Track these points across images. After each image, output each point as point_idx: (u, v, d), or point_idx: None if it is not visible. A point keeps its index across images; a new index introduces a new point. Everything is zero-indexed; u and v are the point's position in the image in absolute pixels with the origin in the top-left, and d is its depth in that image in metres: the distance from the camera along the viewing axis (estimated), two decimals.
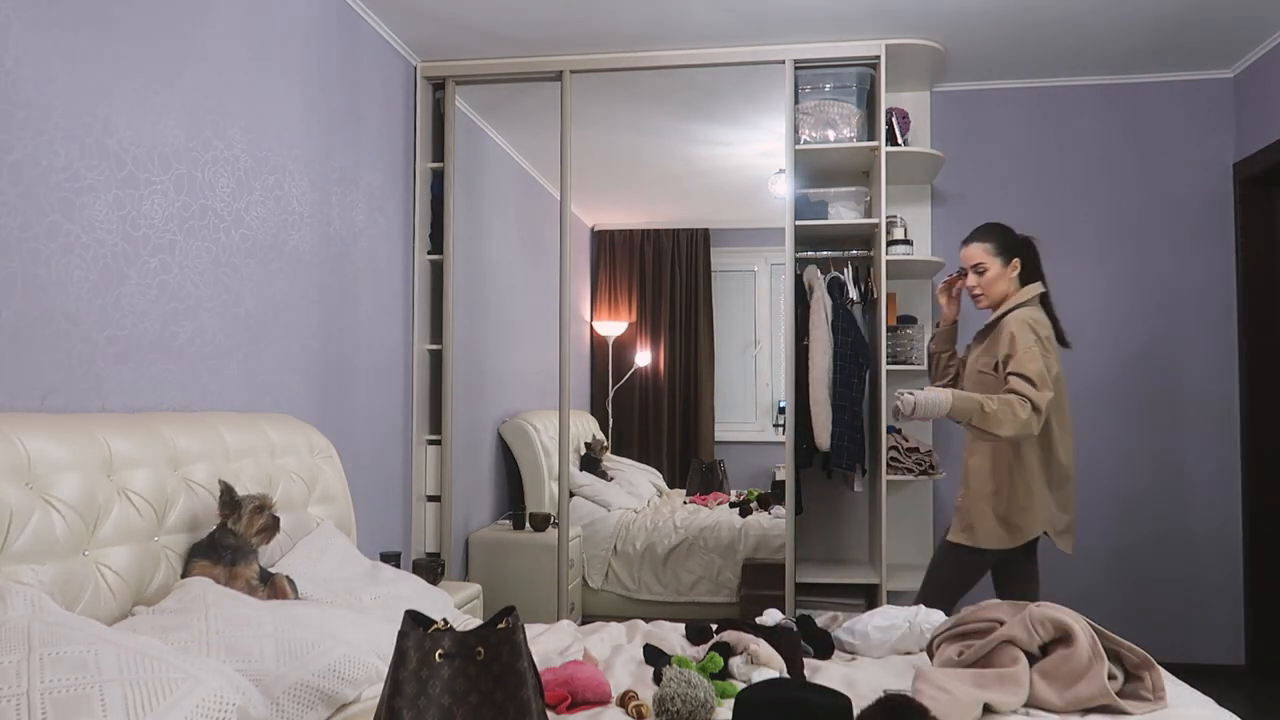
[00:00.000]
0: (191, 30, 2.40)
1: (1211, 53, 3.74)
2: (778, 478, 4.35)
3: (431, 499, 3.81)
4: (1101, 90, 4.01)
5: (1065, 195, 4.03)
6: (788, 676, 1.94)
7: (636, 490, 4.41)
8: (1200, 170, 3.95)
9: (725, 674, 1.95)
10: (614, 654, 2.19)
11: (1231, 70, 3.91)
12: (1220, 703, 1.79)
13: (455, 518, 3.86)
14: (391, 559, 3.00)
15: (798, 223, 3.71)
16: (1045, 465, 2.68)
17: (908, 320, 3.90)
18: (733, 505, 4.33)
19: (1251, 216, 3.85)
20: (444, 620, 1.45)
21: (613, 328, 4.60)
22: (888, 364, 3.69)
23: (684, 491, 4.52)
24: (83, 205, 2.03)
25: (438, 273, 3.87)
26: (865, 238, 3.87)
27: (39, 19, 1.91)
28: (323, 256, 3.06)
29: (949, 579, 2.77)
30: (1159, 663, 1.81)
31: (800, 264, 3.84)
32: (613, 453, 4.53)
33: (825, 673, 2.04)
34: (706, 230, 4.59)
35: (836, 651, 2.23)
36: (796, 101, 3.70)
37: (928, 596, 2.74)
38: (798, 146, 3.67)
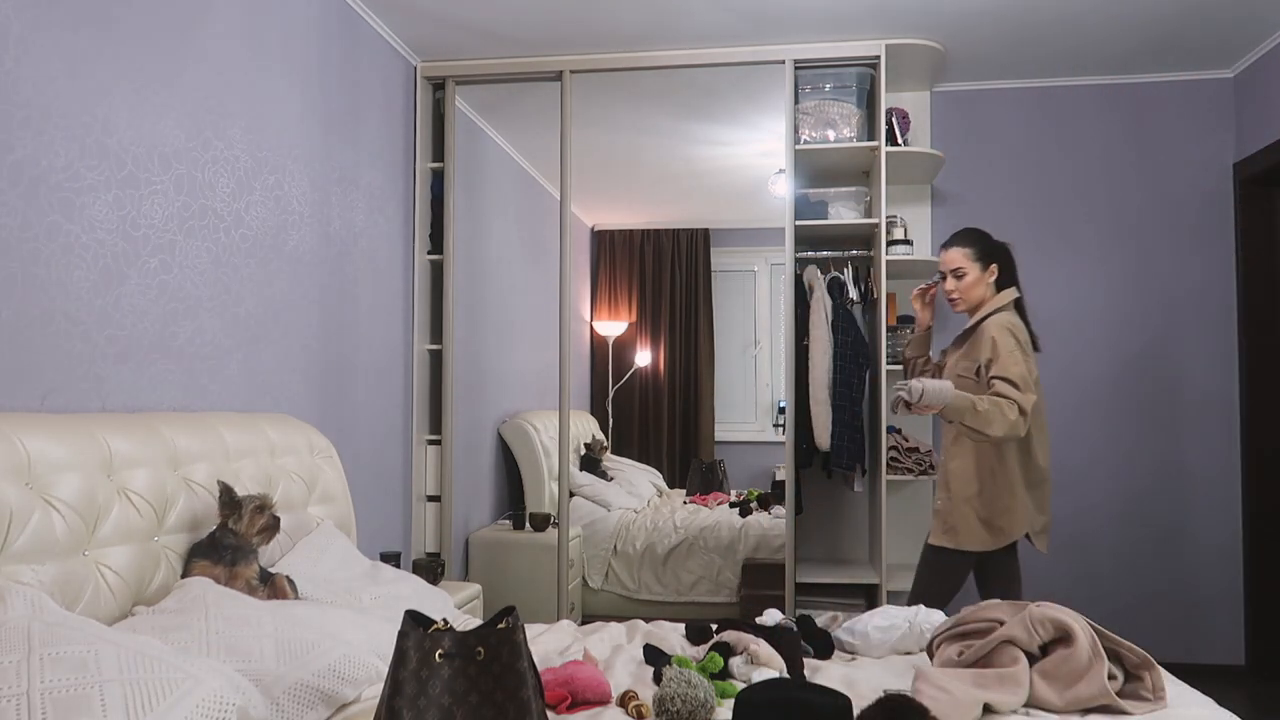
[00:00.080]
0: (191, 30, 2.40)
1: (1211, 53, 3.74)
2: (778, 478, 4.35)
3: (431, 499, 3.81)
4: (1101, 90, 4.02)
5: (1065, 195, 4.03)
6: (788, 676, 1.94)
7: (636, 490, 4.42)
8: (1200, 170, 3.95)
9: (725, 674, 1.95)
10: (614, 654, 2.19)
11: (1231, 70, 3.91)
12: (1220, 703, 1.79)
13: (455, 518, 3.86)
14: (391, 559, 3.00)
15: (798, 223, 3.71)
16: (1024, 467, 2.72)
17: (908, 320, 3.90)
18: (733, 505, 4.33)
19: (1251, 216, 3.85)
20: (444, 620, 1.45)
21: (613, 328, 4.60)
22: (888, 364, 3.69)
23: (684, 491, 4.52)
24: (83, 205, 2.03)
25: (438, 273, 3.87)
26: (865, 238, 3.87)
27: (39, 19, 1.92)
28: (323, 256, 3.06)
29: (937, 583, 2.79)
30: (1159, 663, 1.81)
31: (800, 264, 3.84)
32: (613, 453, 4.53)
33: (825, 673, 2.04)
34: (706, 230, 4.59)
35: (836, 651, 2.23)
36: (796, 101, 3.70)
37: (919, 602, 2.75)
38: (798, 146, 3.67)
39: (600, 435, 4.52)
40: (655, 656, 2.09)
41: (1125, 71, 3.95)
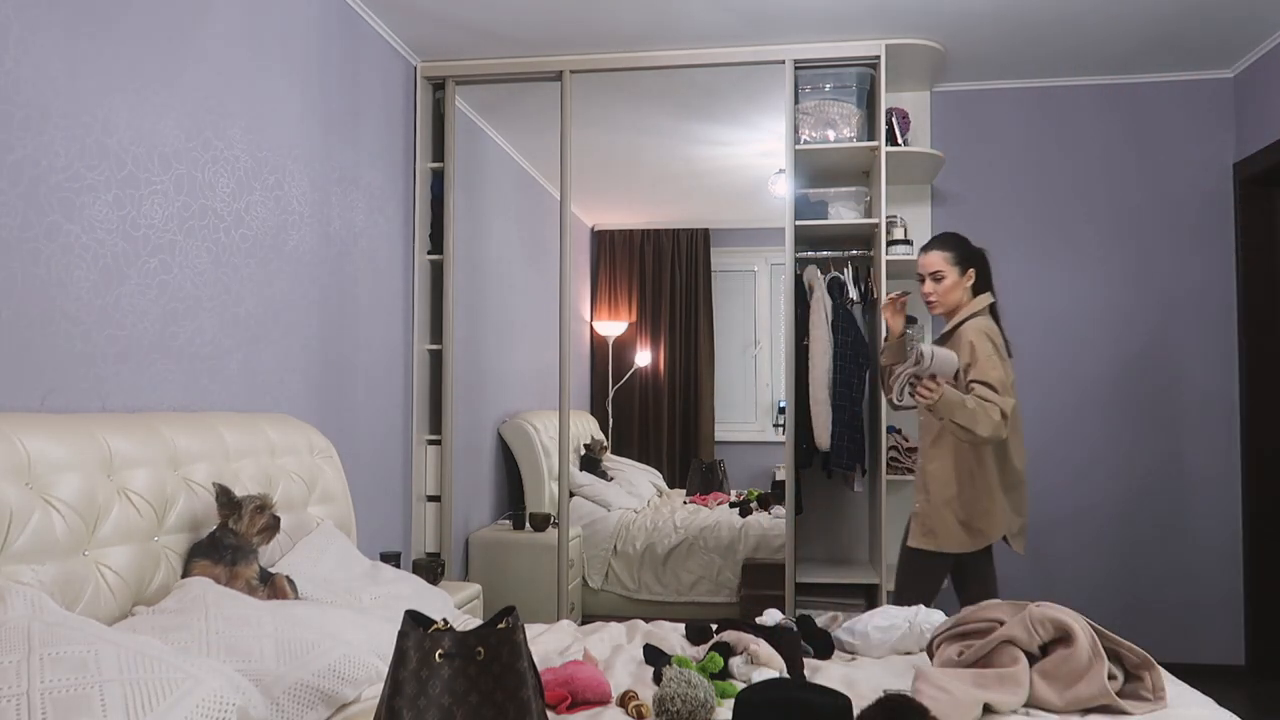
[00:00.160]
0: (191, 30, 2.40)
1: (1211, 53, 3.74)
2: (778, 478, 4.35)
3: (431, 499, 3.81)
4: (1101, 90, 4.02)
5: (1065, 195, 4.03)
6: (788, 676, 1.94)
7: (636, 490, 4.42)
8: (1200, 170, 3.95)
9: (725, 674, 1.95)
10: (614, 654, 2.19)
11: (1231, 70, 3.91)
12: (1220, 703, 1.79)
13: (455, 518, 3.86)
14: (391, 559, 3.00)
15: (798, 223, 3.71)
16: (1001, 470, 2.75)
17: (908, 320, 3.89)
18: (733, 505, 4.33)
19: (1251, 216, 3.85)
20: (444, 620, 1.45)
21: (613, 328, 4.60)
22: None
23: (684, 491, 4.53)
24: (83, 205, 2.03)
25: (438, 273, 3.87)
26: (865, 238, 3.86)
27: (39, 19, 1.92)
28: (323, 256, 3.06)
29: (917, 584, 2.82)
30: (1159, 663, 1.81)
31: (800, 264, 3.84)
32: (613, 453, 4.53)
33: (825, 673, 2.04)
34: (706, 230, 4.59)
35: (836, 651, 2.23)
36: (796, 101, 3.70)
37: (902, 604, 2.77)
38: (798, 146, 3.67)
39: (600, 435, 4.52)
40: (655, 656, 2.09)
41: (1125, 71, 3.95)
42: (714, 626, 2.27)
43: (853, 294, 3.82)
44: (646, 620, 2.53)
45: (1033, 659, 1.80)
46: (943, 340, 2.88)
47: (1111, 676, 1.75)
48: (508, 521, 4.18)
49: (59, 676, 1.27)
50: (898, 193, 3.93)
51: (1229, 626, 3.86)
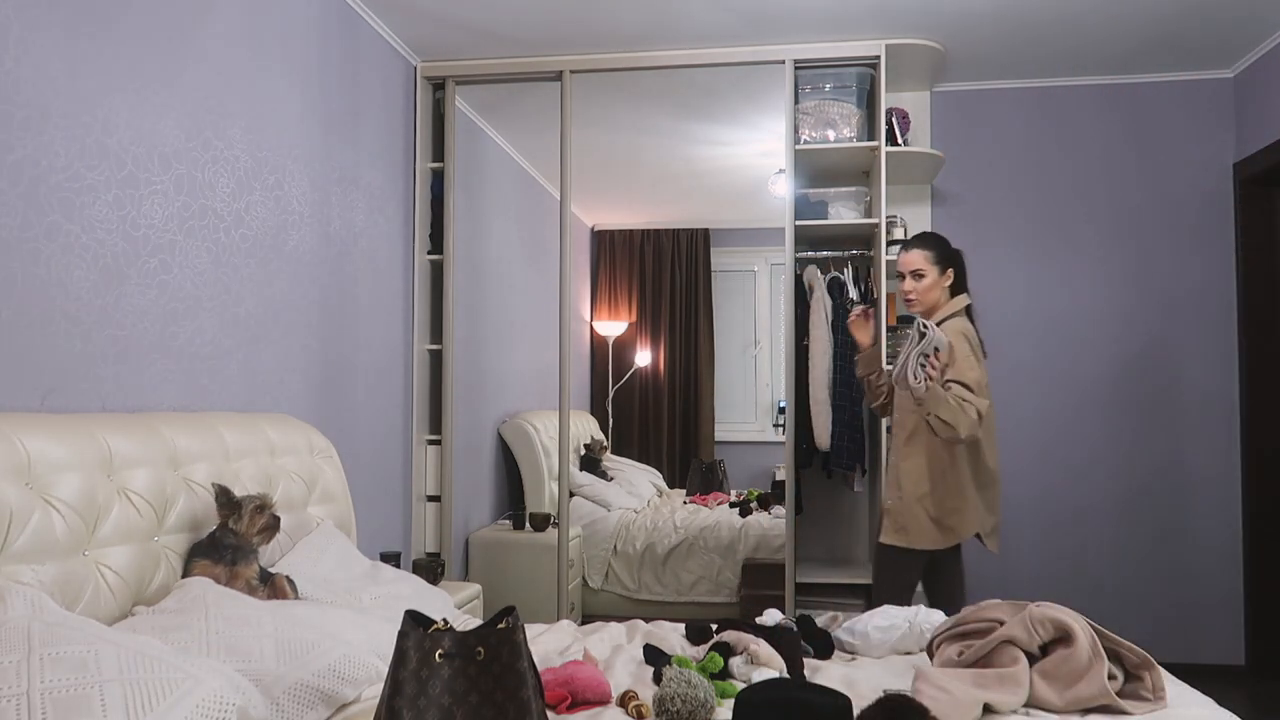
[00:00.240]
0: (191, 30, 2.40)
1: (1211, 53, 3.74)
2: (778, 478, 4.35)
3: (431, 499, 3.81)
4: (1101, 90, 4.02)
5: (1065, 195, 4.03)
6: (788, 676, 1.94)
7: (636, 490, 4.42)
8: (1200, 170, 3.95)
9: (725, 674, 1.95)
10: (614, 654, 2.19)
11: (1231, 70, 3.91)
12: (1220, 703, 1.79)
13: (455, 518, 3.86)
14: (391, 559, 2.99)
15: (798, 223, 3.71)
16: (974, 469, 2.79)
17: (907, 320, 3.89)
18: (733, 505, 4.33)
19: (1251, 216, 3.85)
20: (444, 620, 1.45)
21: (613, 328, 4.60)
22: (888, 364, 3.68)
23: (684, 491, 4.53)
24: (83, 205, 2.03)
25: (438, 273, 3.87)
26: (865, 238, 3.86)
27: (39, 19, 1.92)
28: (323, 256, 3.06)
29: (893, 581, 2.85)
30: (1159, 663, 1.81)
31: (800, 264, 3.84)
32: (613, 453, 4.53)
33: (825, 673, 2.04)
34: (706, 230, 4.59)
35: (836, 651, 2.23)
36: (796, 101, 3.70)
37: (880, 604, 2.78)
38: (798, 146, 3.67)
39: (600, 435, 4.52)
40: (655, 656, 2.09)
41: (1125, 71, 3.95)
42: (714, 626, 2.27)
43: (853, 294, 3.82)
44: (646, 620, 2.53)
45: (1033, 659, 1.80)
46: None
47: (1111, 676, 1.75)
48: (508, 521, 4.18)
49: (59, 676, 1.27)
50: (898, 193, 3.93)
51: (1229, 626, 3.86)
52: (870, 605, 2.84)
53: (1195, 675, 2.17)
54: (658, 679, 1.87)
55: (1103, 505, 3.96)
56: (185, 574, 1.99)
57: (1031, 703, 1.75)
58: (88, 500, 1.78)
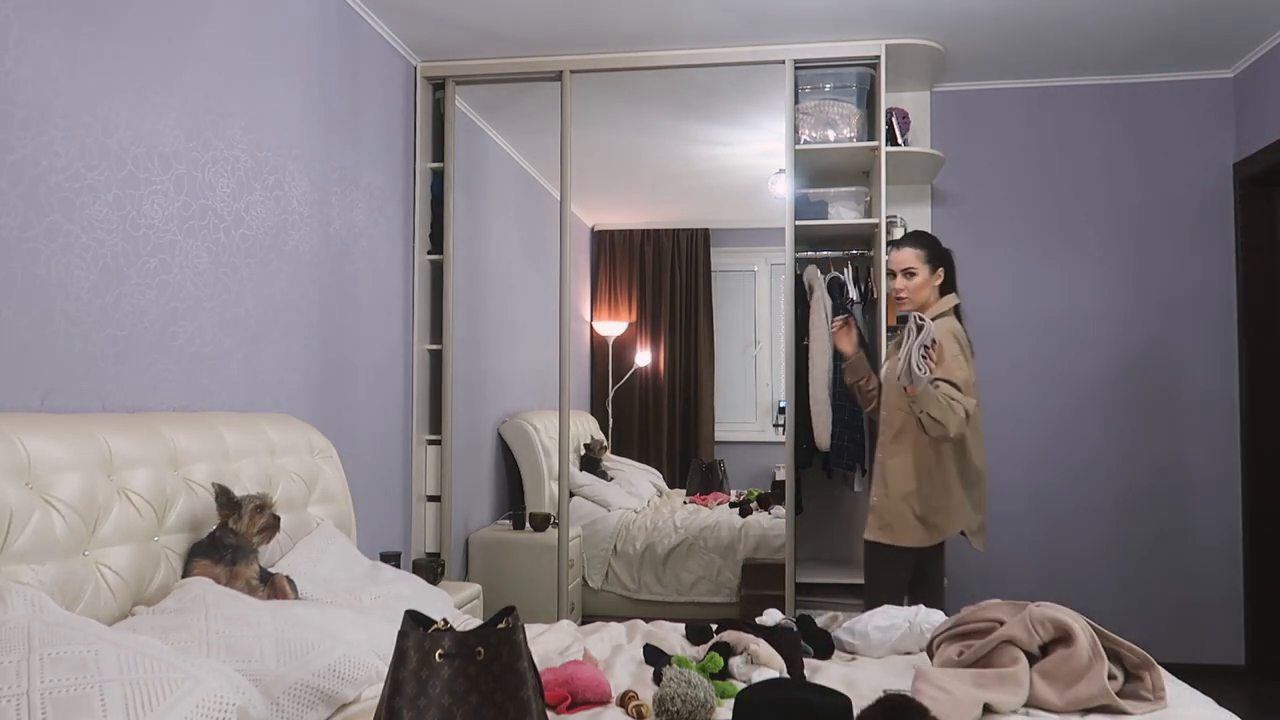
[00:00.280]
0: (191, 30, 2.40)
1: (1211, 53, 3.74)
2: (778, 478, 4.35)
3: (431, 499, 3.81)
4: (1101, 90, 4.02)
5: (1065, 195, 4.03)
6: (788, 676, 1.94)
7: (636, 490, 4.42)
8: (1200, 170, 3.95)
9: (725, 674, 1.95)
10: (614, 654, 2.19)
11: (1231, 70, 3.91)
12: (1220, 703, 1.79)
13: (455, 518, 3.86)
14: (391, 559, 3.00)
15: (798, 223, 3.71)
16: (960, 467, 2.80)
17: (907, 320, 3.90)
18: (733, 505, 4.33)
19: (1251, 216, 3.85)
20: (444, 620, 1.45)
21: (613, 328, 4.60)
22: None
23: (684, 491, 4.53)
24: (83, 205, 2.03)
25: (438, 273, 3.87)
26: (865, 238, 3.86)
27: (39, 19, 1.92)
28: (323, 256, 3.06)
29: (886, 580, 2.86)
30: (1159, 663, 1.81)
31: (800, 264, 3.84)
32: (613, 453, 4.53)
33: (825, 673, 2.04)
34: (706, 230, 4.59)
35: (836, 651, 2.23)
36: (796, 101, 3.70)
37: (879, 604, 2.79)
38: (798, 146, 3.67)
39: (600, 435, 4.52)
40: (655, 656, 2.09)
41: (1125, 71, 3.95)
42: (714, 626, 2.27)
43: (853, 294, 3.82)
44: (646, 620, 2.53)
45: (1033, 659, 1.80)
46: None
47: (1111, 676, 1.75)
48: (508, 521, 4.18)
49: (59, 676, 1.27)
50: (898, 193, 3.93)
51: (1229, 626, 3.86)
52: (867, 606, 2.85)
53: (1195, 675, 2.17)
54: (658, 679, 1.87)
55: (1103, 505, 3.96)
56: (185, 574, 1.99)
57: (1031, 703, 1.75)
58: (88, 500, 1.78)
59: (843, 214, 3.81)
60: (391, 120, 3.62)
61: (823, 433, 3.66)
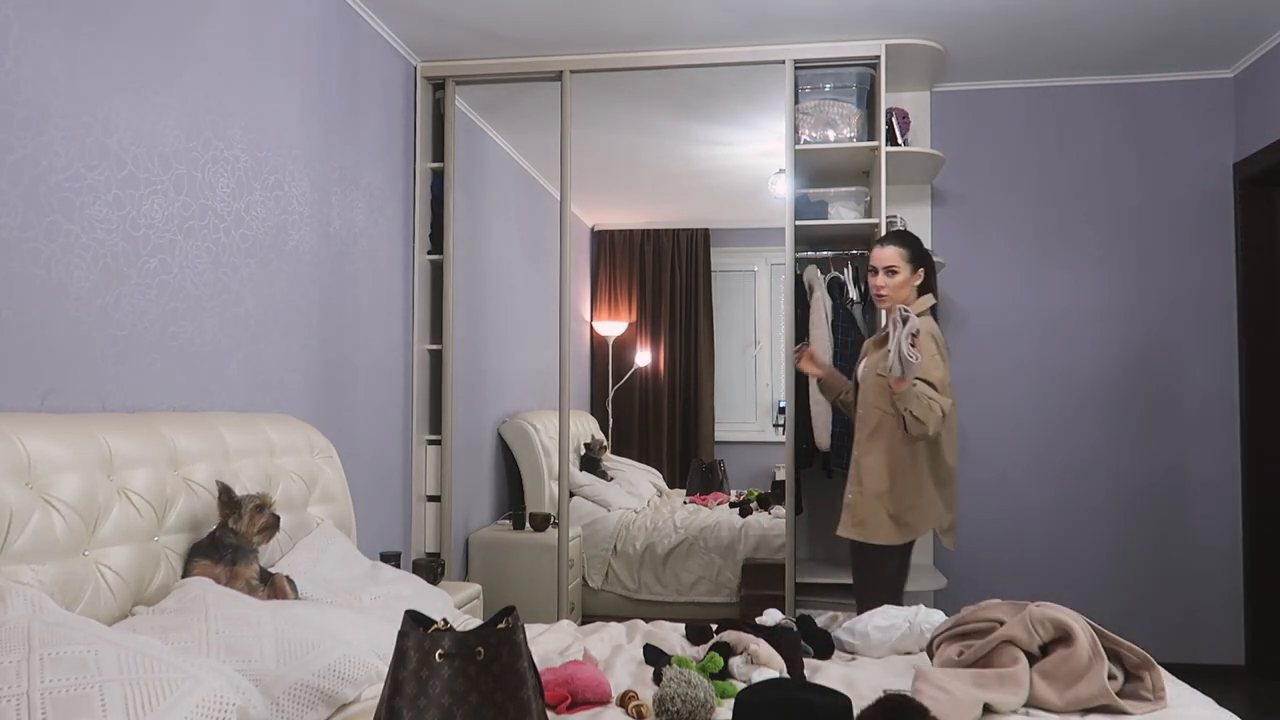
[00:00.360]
0: (191, 30, 2.40)
1: (1211, 53, 3.74)
2: (778, 478, 4.35)
3: (431, 499, 3.81)
4: (1101, 90, 4.02)
5: (1065, 195, 4.03)
6: (788, 676, 1.94)
7: (636, 490, 4.42)
8: (1200, 170, 3.95)
9: (725, 674, 1.95)
10: (614, 654, 2.19)
11: (1231, 70, 3.91)
12: (1220, 703, 1.79)
13: (455, 518, 3.86)
14: (391, 559, 3.00)
15: (798, 223, 3.71)
16: (933, 466, 2.82)
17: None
18: (733, 505, 4.33)
19: (1251, 216, 3.85)
20: (444, 620, 1.45)
21: (613, 328, 4.60)
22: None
23: (684, 491, 4.53)
24: (83, 205, 2.03)
25: (438, 273, 3.87)
26: (865, 238, 3.86)
27: (39, 19, 1.92)
28: (323, 256, 3.06)
29: (875, 578, 2.87)
30: (1159, 663, 1.81)
31: (800, 264, 3.84)
32: (613, 453, 4.53)
33: (825, 673, 2.04)
34: (706, 230, 4.59)
35: (836, 651, 2.23)
36: (796, 101, 3.70)
37: (870, 601, 2.80)
38: (798, 146, 3.67)
39: (600, 435, 4.52)
40: (655, 656, 2.09)
41: (1125, 71, 3.95)
42: (714, 626, 2.27)
43: (853, 294, 3.82)
44: (646, 620, 2.53)
45: (1033, 659, 1.80)
46: (887, 338, 2.91)
47: (1111, 676, 1.75)
48: (508, 521, 4.18)
49: (59, 676, 1.27)
50: (898, 193, 3.93)
51: (1229, 626, 3.86)
52: (864, 606, 2.86)
53: (1195, 675, 2.17)
54: (658, 679, 1.87)
55: (1103, 505, 3.96)
56: (185, 574, 1.99)
57: (1031, 703, 1.75)
58: (88, 500, 1.78)
59: (843, 214, 3.81)
60: (391, 120, 3.62)
61: (823, 433, 3.66)
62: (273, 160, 2.77)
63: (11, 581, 1.53)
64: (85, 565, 1.76)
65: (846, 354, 3.69)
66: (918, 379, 2.66)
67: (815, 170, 3.91)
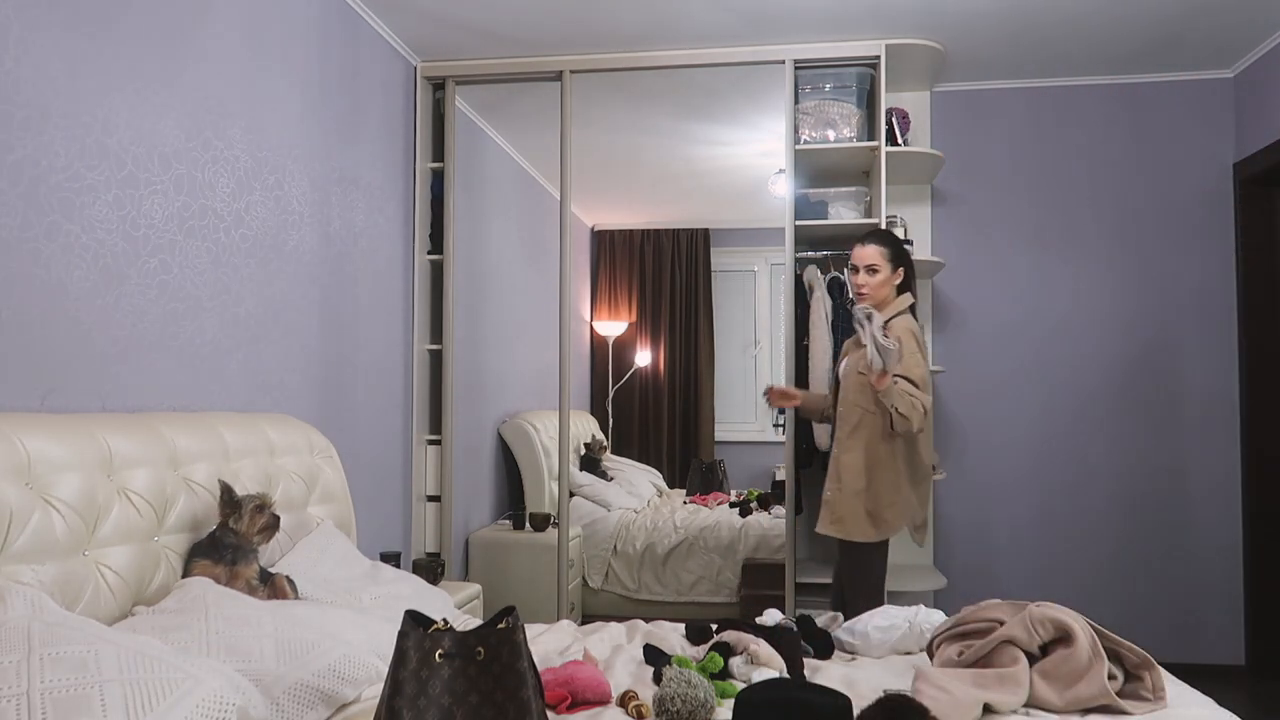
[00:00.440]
0: (191, 30, 2.40)
1: (1211, 53, 3.74)
2: (778, 478, 4.35)
3: (431, 499, 3.81)
4: (1102, 90, 4.02)
5: (1065, 195, 4.03)
6: (788, 676, 1.94)
7: (636, 490, 4.42)
8: (1200, 170, 3.95)
9: (725, 674, 1.95)
10: (614, 654, 2.19)
11: (1231, 70, 3.91)
12: (1220, 703, 1.79)
13: (455, 518, 3.86)
14: (391, 559, 3.00)
15: (798, 223, 3.71)
16: (910, 464, 2.86)
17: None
18: (733, 505, 4.33)
19: (1251, 216, 3.85)
20: (444, 620, 1.45)
21: (613, 328, 4.60)
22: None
23: (684, 491, 4.53)
24: (83, 205, 2.03)
25: (438, 273, 3.87)
26: None
27: (39, 19, 1.92)
28: (323, 256, 3.06)
29: (866, 575, 2.89)
30: (1159, 663, 1.81)
31: (800, 264, 3.84)
32: (613, 453, 4.53)
33: (825, 673, 2.04)
34: (706, 230, 4.59)
35: (836, 651, 2.23)
36: (796, 101, 3.70)
37: (868, 601, 2.81)
38: (798, 146, 3.67)
39: (600, 435, 4.52)
40: (655, 656, 2.09)
41: (1125, 71, 3.95)
42: (714, 626, 2.27)
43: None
44: (646, 620, 2.53)
45: (1033, 659, 1.80)
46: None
47: (1111, 676, 1.75)
48: (508, 521, 4.18)
49: (59, 676, 1.27)
50: (898, 193, 3.93)
51: (1229, 626, 3.86)
52: (853, 604, 2.87)
53: (1195, 675, 2.17)
54: (658, 679, 1.87)
55: (1103, 504, 3.96)
56: (185, 574, 1.99)
57: (1031, 703, 1.75)
58: (88, 500, 1.78)
59: (843, 214, 3.81)
60: (391, 120, 3.62)
61: (822, 433, 3.66)
62: (273, 160, 2.77)
63: (11, 581, 1.53)
64: (85, 565, 1.76)
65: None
66: (899, 376, 2.69)
67: (815, 170, 3.91)
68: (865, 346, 2.64)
